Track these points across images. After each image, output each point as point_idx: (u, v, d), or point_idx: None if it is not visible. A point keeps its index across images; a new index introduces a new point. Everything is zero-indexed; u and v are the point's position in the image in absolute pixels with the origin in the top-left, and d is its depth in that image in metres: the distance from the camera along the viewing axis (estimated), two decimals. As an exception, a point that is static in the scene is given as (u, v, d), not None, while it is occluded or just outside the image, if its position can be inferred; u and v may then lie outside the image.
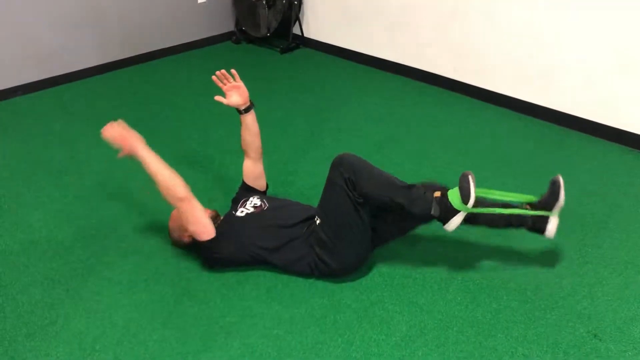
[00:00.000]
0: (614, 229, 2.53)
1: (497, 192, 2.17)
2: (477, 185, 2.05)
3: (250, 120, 2.36)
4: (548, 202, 2.13)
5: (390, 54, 4.34)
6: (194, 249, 2.35)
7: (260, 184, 2.49)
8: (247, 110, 2.34)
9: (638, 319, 2.03)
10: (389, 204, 2.07)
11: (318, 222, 2.15)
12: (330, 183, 2.10)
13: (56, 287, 2.19)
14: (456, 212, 2.03)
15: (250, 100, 2.35)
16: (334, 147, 3.23)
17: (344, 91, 4.07)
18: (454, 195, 2.02)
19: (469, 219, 2.12)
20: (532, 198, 2.19)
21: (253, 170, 2.45)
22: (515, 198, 2.17)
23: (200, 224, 2.13)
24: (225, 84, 2.31)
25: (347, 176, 2.02)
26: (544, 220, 2.14)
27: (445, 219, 2.05)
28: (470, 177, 2.02)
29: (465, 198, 2.00)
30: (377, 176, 2.06)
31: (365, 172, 2.04)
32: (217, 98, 2.32)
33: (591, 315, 2.05)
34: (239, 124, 2.39)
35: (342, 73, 4.42)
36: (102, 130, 2.16)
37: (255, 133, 2.39)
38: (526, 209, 2.16)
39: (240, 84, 2.32)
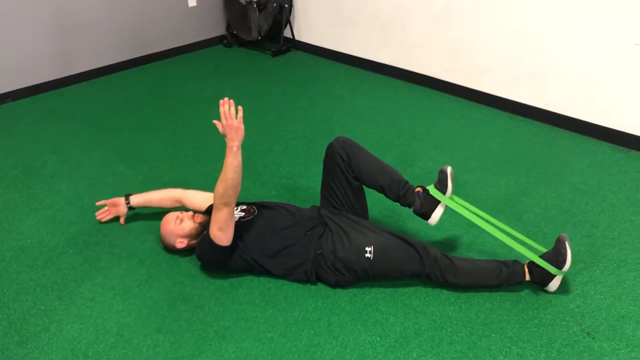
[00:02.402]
0: (606, 227, 2.54)
1: (500, 233, 2.21)
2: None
3: (138, 202, 2.55)
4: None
5: (381, 56, 4.35)
6: (186, 252, 2.36)
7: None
8: (127, 202, 2.54)
9: (630, 317, 2.04)
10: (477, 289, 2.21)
11: (368, 255, 2.10)
12: (410, 260, 2.11)
13: (49, 293, 2.18)
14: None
15: (121, 197, 2.56)
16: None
17: (336, 93, 4.07)
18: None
19: None
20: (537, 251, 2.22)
21: (198, 204, 2.47)
22: (516, 247, 2.17)
23: (229, 231, 2.09)
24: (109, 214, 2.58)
25: (429, 272, 2.11)
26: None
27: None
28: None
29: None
30: (469, 271, 2.16)
31: (458, 273, 2.13)
32: (122, 222, 2.58)
33: (584, 314, 2.06)
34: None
35: (333, 75, 4.43)
36: (229, 117, 1.98)
37: (149, 199, 2.55)
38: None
39: (109, 202, 2.59)
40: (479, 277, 2.15)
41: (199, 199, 2.48)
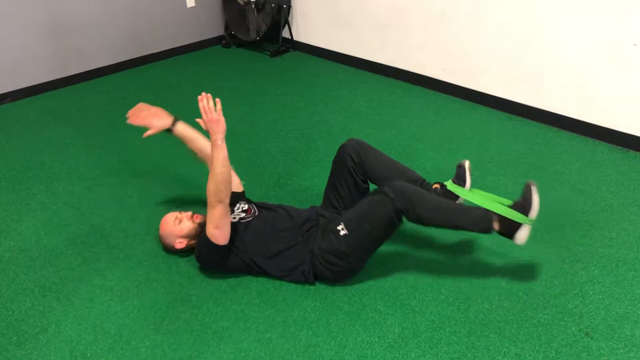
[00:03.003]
0: (604, 227, 2.54)
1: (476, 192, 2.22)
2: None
3: (184, 131, 2.38)
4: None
5: (379, 56, 4.35)
6: (185, 253, 2.35)
7: (235, 182, 2.42)
8: (173, 124, 2.36)
9: (629, 317, 2.05)
10: (450, 228, 2.09)
11: (344, 232, 2.09)
12: (377, 206, 2.05)
13: (47, 294, 2.18)
14: (519, 225, 2.03)
15: (171, 115, 2.38)
16: (325, 150, 3.24)
17: (335, 94, 4.07)
18: (510, 212, 2.05)
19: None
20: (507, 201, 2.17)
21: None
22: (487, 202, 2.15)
23: (225, 229, 2.09)
24: (139, 121, 2.34)
25: (402, 207, 2.00)
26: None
27: (510, 235, 2.06)
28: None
29: (524, 210, 2.03)
30: (433, 203, 2.05)
31: (423, 201, 2.02)
32: (146, 134, 2.32)
33: (582, 314, 2.06)
34: (231, 129, 2.37)
35: (332, 76, 4.43)
36: (209, 111, 2.03)
37: (194, 138, 2.39)
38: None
39: (151, 109, 2.35)
40: (450, 214, 2.06)
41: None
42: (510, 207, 2.07)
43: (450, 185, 2.18)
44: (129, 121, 2.35)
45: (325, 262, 2.13)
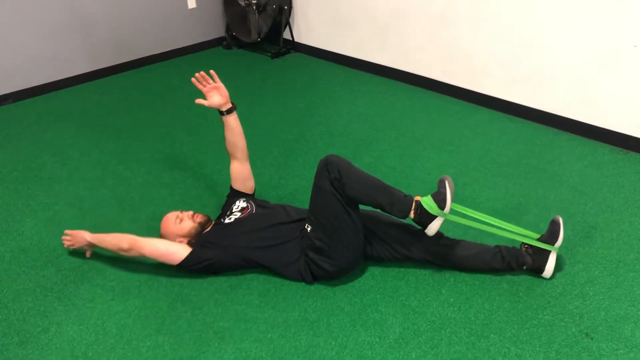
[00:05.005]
0: (605, 228, 2.54)
1: (493, 220, 2.26)
2: (473, 208, 2.11)
3: (232, 121, 2.36)
4: (548, 241, 2.22)
5: (380, 57, 4.36)
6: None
7: (249, 185, 2.48)
8: (229, 111, 2.34)
9: (629, 318, 2.05)
10: (370, 204, 2.09)
11: (310, 229, 2.13)
12: (317, 187, 2.09)
13: (48, 294, 2.18)
14: (433, 217, 2.04)
15: (231, 102, 2.36)
16: (325, 150, 3.24)
17: (335, 95, 4.08)
18: (428, 201, 2.04)
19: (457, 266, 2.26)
20: (533, 235, 2.26)
21: (241, 172, 2.44)
22: (504, 231, 2.24)
23: (162, 254, 2.17)
24: (205, 86, 2.31)
25: (333, 177, 2.02)
26: (543, 258, 2.21)
27: (424, 224, 2.07)
28: (447, 182, 2.05)
29: (441, 203, 2.02)
30: (361, 177, 2.07)
31: (350, 172, 2.05)
32: (198, 101, 2.33)
33: (583, 315, 2.06)
34: (230, 129, 2.39)
35: (332, 77, 4.43)
36: (64, 243, 2.35)
37: (239, 133, 2.39)
38: (526, 249, 2.26)
39: (220, 84, 2.33)
40: (372, 190, 2.07)
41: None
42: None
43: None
44: (193, 79, 2.31)
45: (311, 262, 2.15)
